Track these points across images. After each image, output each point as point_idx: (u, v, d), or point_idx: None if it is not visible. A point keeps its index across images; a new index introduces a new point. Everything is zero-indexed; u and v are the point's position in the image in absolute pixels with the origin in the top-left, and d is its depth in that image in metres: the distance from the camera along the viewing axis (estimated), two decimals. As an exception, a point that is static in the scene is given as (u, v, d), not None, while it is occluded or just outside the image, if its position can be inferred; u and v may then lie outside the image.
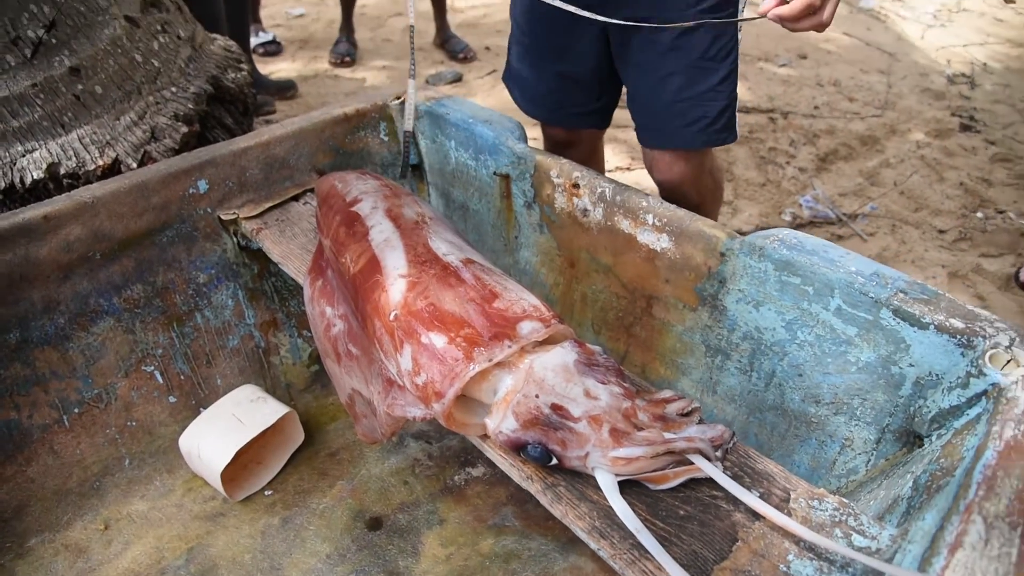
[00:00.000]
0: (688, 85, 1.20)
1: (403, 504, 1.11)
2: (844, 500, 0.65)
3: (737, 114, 1.24)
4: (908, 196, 2.30)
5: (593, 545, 0.65)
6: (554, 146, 1.48)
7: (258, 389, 1.19)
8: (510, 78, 1.45)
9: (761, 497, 0.67)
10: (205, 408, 1.18)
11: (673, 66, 1.18)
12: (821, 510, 0.65)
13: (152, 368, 1.20)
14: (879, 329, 0.77)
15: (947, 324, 0.72)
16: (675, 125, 1.24)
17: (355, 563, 1.03)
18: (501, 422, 0.70)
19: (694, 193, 1.33)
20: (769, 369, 0.91)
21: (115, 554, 1.06)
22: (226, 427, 1.11)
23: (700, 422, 0.74)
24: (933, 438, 0.73)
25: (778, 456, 0.95)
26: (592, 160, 1.55)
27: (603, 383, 0.72)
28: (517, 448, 0.70)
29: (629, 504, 0.66)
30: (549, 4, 1.10)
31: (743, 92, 2.94)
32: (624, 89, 1.34)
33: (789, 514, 0.65)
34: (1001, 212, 2.24)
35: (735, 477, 0.69)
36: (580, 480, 0.70)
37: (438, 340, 0.73)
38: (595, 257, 1.06)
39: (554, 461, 0.69)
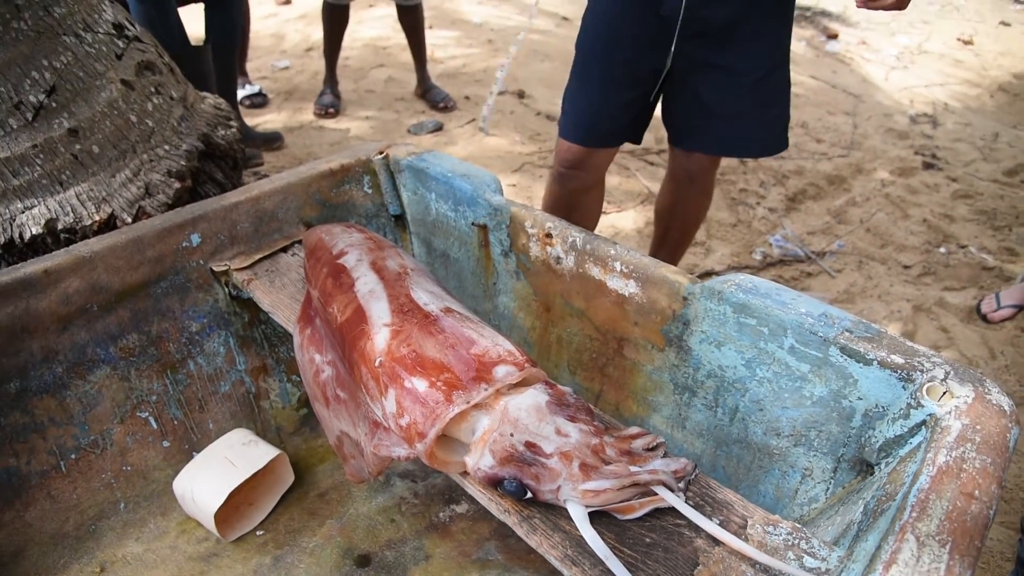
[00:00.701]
0: (760, 100, 1.53)
1: (390, 541, 1.16)
2: (797, 525, 0.71)
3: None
4: (874, 233, 2.40)
5: (566, 572, 0.71)
6: (563, 174, 1.73)
7: (249, 432, 1.24)
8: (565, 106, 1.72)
9: (721, 524, 0.72)
10: (198, 452, 1.23)
11: (748, 82, 1.50)
12: (776, 535, 0.71)
13: (147, 414, 1.24)
14: (829, 365, 0.84)
15: (888, 360, 0.79)
16: (744, 134, 1.58)
17: (347, 600, 1.07)
18: (479, 459, 0.75)
19: (707, 188, 1.77)
20: (732, 404, 0.97)
21: (110, 597, 1.10)
22: (219, 470, 1.16)
23: (665, 455, 0.80)
24: (882, 466, 0.79)
25: (745, 487, 1.00)
26: (597, 188, 1.83)
27: (573, 421, 0.77)
28: (495, 483, 0.75)
29: (599, 533, 0.72)
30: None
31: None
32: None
33: (746, 539, 0.70)
34: (963, 247, 2.34)
35: (696, 506, 0.75)
36: (554, 512, 0.76)
37: (420, 384, 0.79)
38: (569, 302, 1.13)
39: (529, 495, 0.75)
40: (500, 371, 0.80)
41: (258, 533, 1.18)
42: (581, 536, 0.71)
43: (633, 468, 0.75)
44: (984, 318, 2.01)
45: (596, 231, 1.78)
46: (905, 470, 0.72)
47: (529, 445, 0.75)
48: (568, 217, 1.77)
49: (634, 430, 0.82)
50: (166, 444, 1.25)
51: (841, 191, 2.67)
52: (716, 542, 0.71)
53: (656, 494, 0.73)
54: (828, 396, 0.86)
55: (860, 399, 0.82)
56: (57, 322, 1.13)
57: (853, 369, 0.82)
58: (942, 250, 2.30)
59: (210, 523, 1.13)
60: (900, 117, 3.38)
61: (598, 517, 0.74)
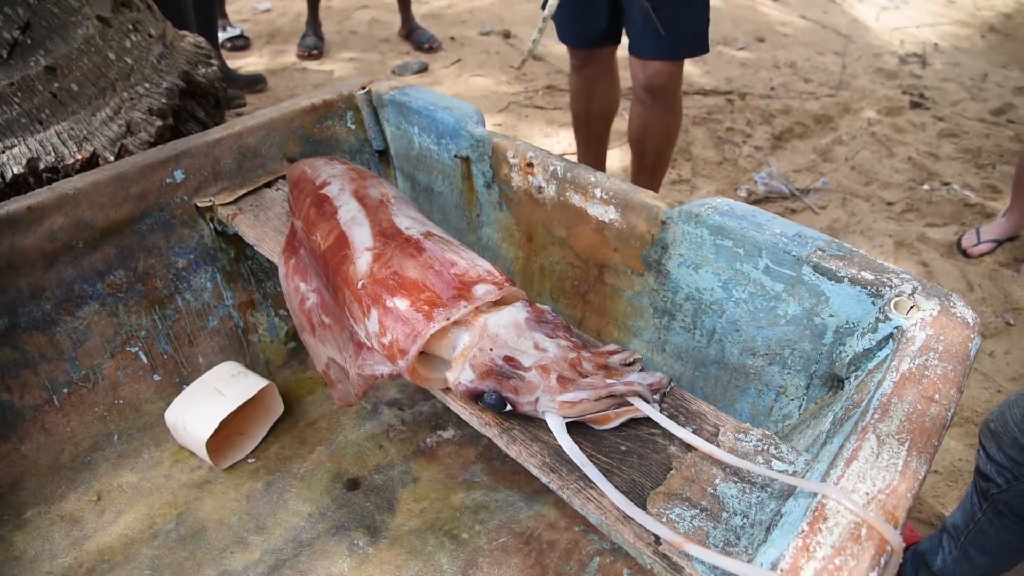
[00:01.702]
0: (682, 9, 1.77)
1: (378, 466, 1.19)
2: (767, 432, 0.74)
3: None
4: (859, 171, 2.41)
5: (544, 478, 0.73)
6: (578, 67, 2.08)
7: (238, 365, 1.26)
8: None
9: (694, 433, 0.75)
10: (188, 385, 1.25)
11: None
12: (746, 441, 0.73)
13: (136, 349, 1.26)
14: (802, 284, 0.86)
15: (859, 277, 0.81)
16: (671, 40, 1.79)
17: (335, 520, 1.10)
18: (460, 374, 0.78)
19: (671, 105, 1.93)
20: (710, 326, 0.99)
21: (108, 522, 1.13)
22: (209, 400, 1.18)
23: (642, 371, 0.82)
24: (851, 380, 0.82)
25: (722, 406, 1.03)
26: (608, 75, 2.11)
27: (551, 337, 0.80)
28: (475, 397, 0.78)
29: (576, 442, 0.74)
30: None
31: (701, 75, 3.03)
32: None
33: (718, 444, 0.73)
34: (946, 184, 2.36)
35: (671, 417, 0.78)
36: (533, 424, 0.78)
37: (401, 304, 0.81)
38: (550, 231, 1.14)
39: (509, 407, 0.77)
40: (480, 290, 0.81)
41: (249, 461, 1.21)
42: (559, 445, 0.74)
43: (610, 381, 0.77)
44: (964, 253, 2.04)
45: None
46: (871, 380, 0.75)
47: (508, 359, 0.77)
48: (588, 104, 2.00)
49: (611, 347, 0.84)
50: (156, 378, 1.27)
51: (827, 130, 2.67)
52: (689, 448, 0.74)
53: (632, 405, 0.76)
54: (801, 314, 0.88)
55: (832, 316, 0.85)
56: (43, 259, 1.14)
57: (825, 287, 0.84)
58: (926, 187, 2.32)
59: (202, 452, 1.16)
60: (889, 57, 3.36)
61: (575, 428, 0.76)
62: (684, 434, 0.72)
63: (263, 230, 1.19)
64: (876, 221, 2.16)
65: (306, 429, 1.26)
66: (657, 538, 0.65)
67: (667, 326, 1.06)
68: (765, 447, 0.73)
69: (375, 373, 0.85)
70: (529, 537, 1.05)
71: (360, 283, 0.86)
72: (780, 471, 0.71)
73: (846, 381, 0.84)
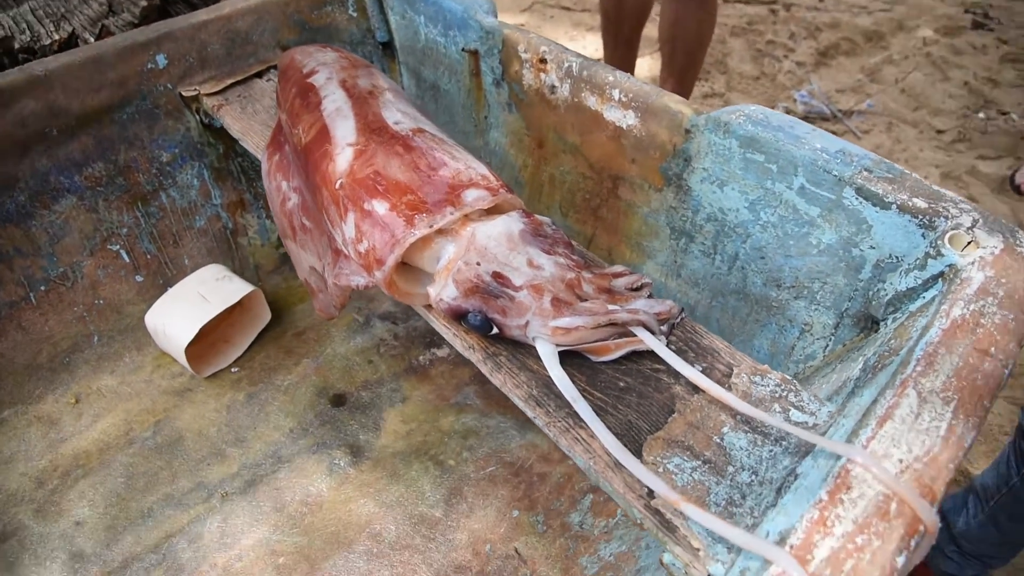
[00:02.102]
0: None
1: (366, 382, 1.12)
2: (786, 377, 0.64)
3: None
4: (908, 94, 2.22)
5: (529, 413, 0.65)
6: None
7: (224, 268, 1.18)
8: None
9: (703, 372, 0.66)
10: (173, 287, 1.18)
11: None
12: (762, 386, 0.64)
13: (118, 247, 1.18)
14: (841, 209, 0.75)
15: (910, 204, 0.70)
16: None
17: (317, 437, 1.05)
18: (442, 290, 0.69)
19: (705, 2, 1.74)
20: (732, 252, 0.89)
21: (85, 426, 1.08)
22: (191, 304, 1.11)
23: (650, 297, 0.73)
24: (888, 321, 0.72)
25: (739, 342, 0.94)
26: None
27: (548, 253, 0.70)
28: (458, 317, 0.69)
29: (568, 374, 0.66)
30: None
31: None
32: None
33: (730, 388, 0.64)
34: (1004, 113, 2.17)
35: (679, 352, 0.68)
36: (522, 351, 0.70)
37: (380, 207, 0.71)
38: (562, 136, 1.03)
39: (495, 330, 0.68)
40: (470, 195, 0.71)
41: (233, 370, 1.15)
42: (549, 377, 0.66)
43: (612, 307, 0.68)
44: (1017, 189, 1.88)
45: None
46: (914, 325, 0.65)
47: (496, 276, 0.67)
48: (619, 1, 1.79)
49: (617, 268, 0.74)
50: (139, 279, 1.20)
51: (878, 48, 2.46)
52: (696, 390, 0.65)
53: (635, 336, 0.67)
54: (837, 244, 0.77)
55: (873, 248, 0.74)
56: (14, 146, 1.05)
57: (868, 213, 0.73)
58: (981, 116, 2.13)
59: (182, 358, 1.09)
60: (955, -29, 3.08)
61: (569, 357, 0.68)
62: (691, 373, 0.63)
63: (249, 123, 1.09)
64: (923, 150, 2.00)
65: (293, 339, 1.20)
66: (650, 491, 0.57)
67: (684, 249, 0.95)
68: (784, 393, 0.64)
69: (351, 284, 0.76)
70: (519, 468, 0.98)
71: (338, 182, 0.76)
72: (799, 423, 0.62)
73: (882, 323, 0.74)
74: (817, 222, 0.77)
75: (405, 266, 0.73)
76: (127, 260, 1.19)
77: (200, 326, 1.07)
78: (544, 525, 0.92)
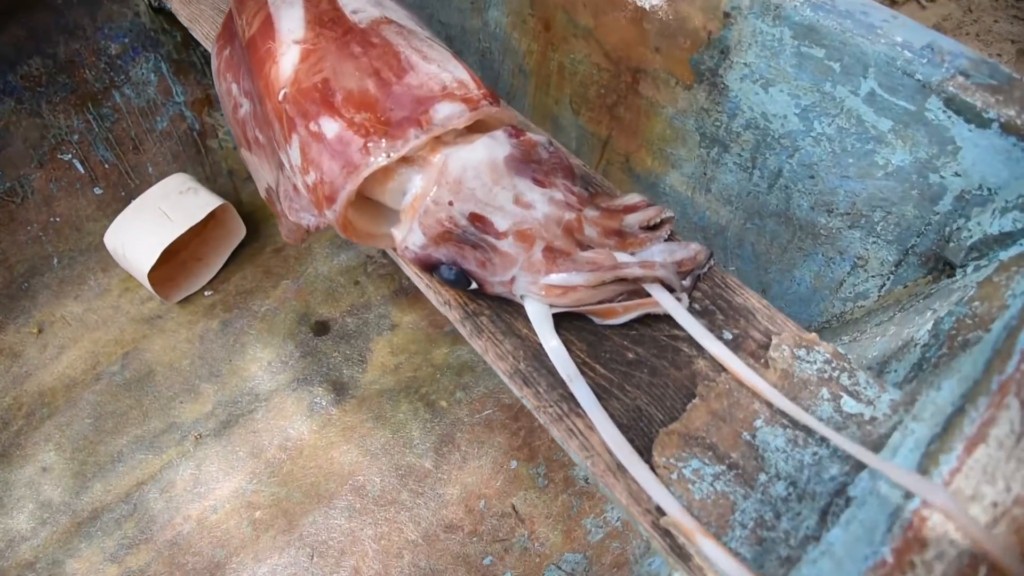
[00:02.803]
0: None
1: (352, 307, 1.01)
2: (839, 351, 0.50)
3: None
4: (987, -48, 1.91)
5: (515, 391, 0.53)
6: None
7: (190, 178, 1.05)
8: None
9: (735, 340, 0.53)
10: (133, 202, 1.05)
11: None
12: (808, 362, 0.51)
13: (69, 156, 1.04)
14: (922, 124, 0.58)
15: (1018, 122, 0.53)
16: None
17: (297, 371, 0.94)
18: (407, 235, 0.55)
19: None
20: (775, 167, 0.73)
21: (50, 358, 0.99)
22: (152, 223, 0.98)
23: (671, 237, 0.58)
24: (969, 270, 0.57)
25: (776, 271, 0.80)
26: None
27: (541, 186, 0.55)
28: (428, 268, 0.56)
29: (565, 342, 0.53)
30: None
31: None
32: None
33: (767, 364, 0.51)
34: (1099, -27, 1.86)
35: (705, 312, 0.55)
36: (510, 309, 0.56)
37: (329, 127, 0.56)
38: (573, 18, 0.84)
39: (475, 285, 0.55)
40: (442, 110, 0.56)
41: (206, 294, 1.04)
42: (541, 344, 0.53)
43: (621, 256, 0.54)
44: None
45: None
46: (1009, 285, 0.50)
47: (474, 218, 0.53)
48: None
49: (631, 199, 0.59)
50: (98, 191, 1.07)
51: None
52: (723, 366, 0.52)
53: (649, 295, 0.53)
54: (910, 167, 0.61)
55: (958, 176, 0.58)
56: None
57: (958, 131, 0.56)
58: (1069, -23, 1.84)
59: (147, 284, 0.98)
60: None
61: (568, 319, 0.54)
62: (717, 348, 0.50)
63: (199, 7, 0.92)
64: (998, 21, 1.74)
65: (272, 257, 1.07)
66: (660, 507, 0.45)
67: (717, 160, 0.79)
68: (835, 373, 0.50)
69: (300, 222, 0.62)
70: (519, 411, 0.88)
71: (282, 93, 0.61)
72: (852, 416, 0.48)
73: (959, 270, 0.59)
74: (887, 138, 0.61)
75: (366, 200, 0.59)
76: (82, 171, 1.05)
77: (161, 250, 0.95)
78: (545, 479, 0.82)
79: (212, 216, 1.06)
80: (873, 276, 0.70)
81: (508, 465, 0.83)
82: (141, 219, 0.98)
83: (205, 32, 0.87)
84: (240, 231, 1.07)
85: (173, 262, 1.05)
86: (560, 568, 0.74)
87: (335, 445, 0.87)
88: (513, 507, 0.80)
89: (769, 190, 0.75)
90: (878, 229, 0.66)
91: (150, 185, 1.06)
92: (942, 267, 0.62)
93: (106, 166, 1.06)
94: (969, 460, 0.37)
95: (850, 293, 0.73)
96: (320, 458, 0.86)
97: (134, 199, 1.04)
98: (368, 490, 0.82)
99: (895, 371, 0.56)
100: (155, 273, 0.99)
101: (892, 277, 0.68)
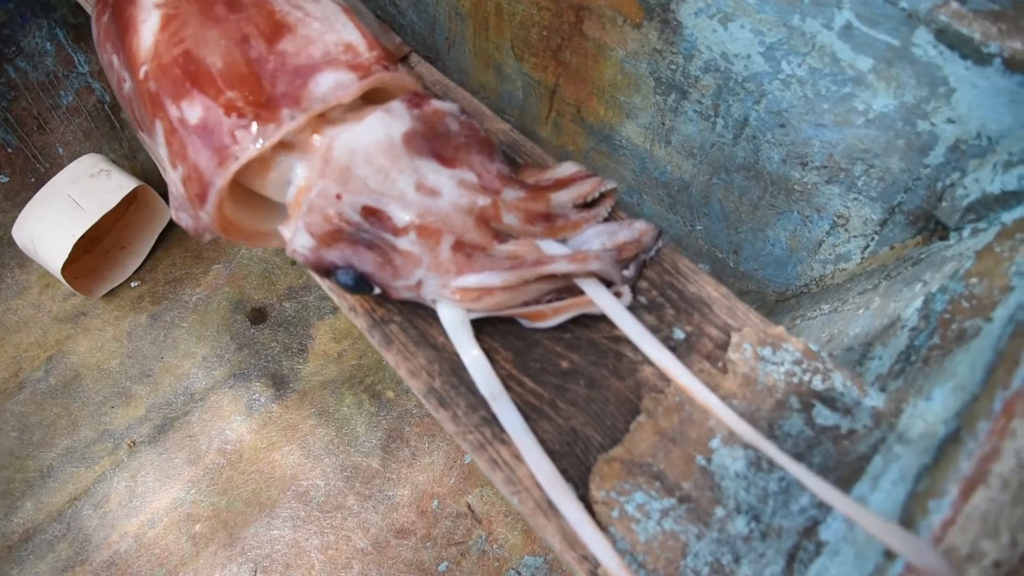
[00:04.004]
0: None
1: (290, 289, 0.92)
2: (810, 348, 0.42)
3: None
4: None
5: (432, 411, 0.45)
6: None
7: (102, 159, 0.94)
8: None
9: (688, 340, 0.44)
10: (41, 189, 0.95)
11: None
12: (774, 363, 0.42)
13: (-34, 139, 0.94)
14: (908, 62, 0.48)
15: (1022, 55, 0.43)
16: None
17: (233, 365, 0.86)
18: (295, 235, 0.46)
19: None
20: (740, 115, 0.63)
21: (-32, 364, 0.91)
22: (61, 213, 0.89)
23: (613, 214, 0.49)
24: (964, 233, 0.48)
25: (747, 230, 0.71)
26: None
27: (449, 166, 0.46)
28: (323, 272, 0.47)
29: (488, 352, 0.45)
30: None
31: None
32: None
33: (725, 368, 0.43)
34: None
35: (652, 306, 0.46)
36: (423, 314, 0.48)
37: (191, 111, 0.46)
38: (504, -47, 0.73)
39: (379, 290, 0.46)
40: (323, 81, 0.46)
41: (133, 285, 0.95)
42: (459, 355, 0.44)
43: (548, 247, 0.45)
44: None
45: None
46: (1013, 257, 0.41)
47: (368, 212, 0.44)
48: None
49: (564, 170, 0.50)
50: (3, 179, 0.97)
51: None
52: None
53: (583, 293, 0.44)
54: (895, 113, 0.51)
55: (951, 122, 0.48)
56: None
57: (952, 70, 0.46)
58: None
59: (63, 280, 0.89)
60: None
61: (491, 321, 0.46)
62: (662, 357, 0.41)
63: (81, -37, 0.80)
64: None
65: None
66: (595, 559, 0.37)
67: (675, 108, 0.69)
68: (806, 377, 0.42)
69: (179, 223, 0.53)
70: (474, 400, 0.80)
71: (142, 71, 0.51)
72: (827, 429, 0.40)
73: (953, 234, 0.50)
74: (867, 80, 0.51)
75: (247, 193, 0.49)
76: (-18, 156, 0.95)
77: (73, 243, 0.85)
78: (504, 473, 0.75)
79: (134, 197, 0.96)
80: (855, 236, 0.61)
81: (462, 460, 0.76)
82: (49, 209, 0.89)
83: (86, -8, 0.76)
84: (165, 213, 0.97)
85: (95, 251, 0.96)
86: (519, 573, 0.68)
87: (276, 446, 0.80)
88: (469, 506, 0.73)
89: (735, 141, 0.65)
90: (859, 184, 0.57)
91: (62, 167, 0.96)
92: (934, 227, 0.54)
93: (9, 150, 0.96)
94: (966, 508, 0.29)
95: (830, 255, 0.64)
96: (261, 461, 0.79)
97: (45, 184, 0.95)
98: (312, 496, 0.75)
99: (879, 357, 0.48)
100: (74, 266, 0.90)
101: (876, 238, 0.59)
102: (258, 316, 0.90)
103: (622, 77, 0.72)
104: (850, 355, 0.53)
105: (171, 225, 0.98)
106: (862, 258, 0.61)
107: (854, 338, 0.54)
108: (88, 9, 0.75)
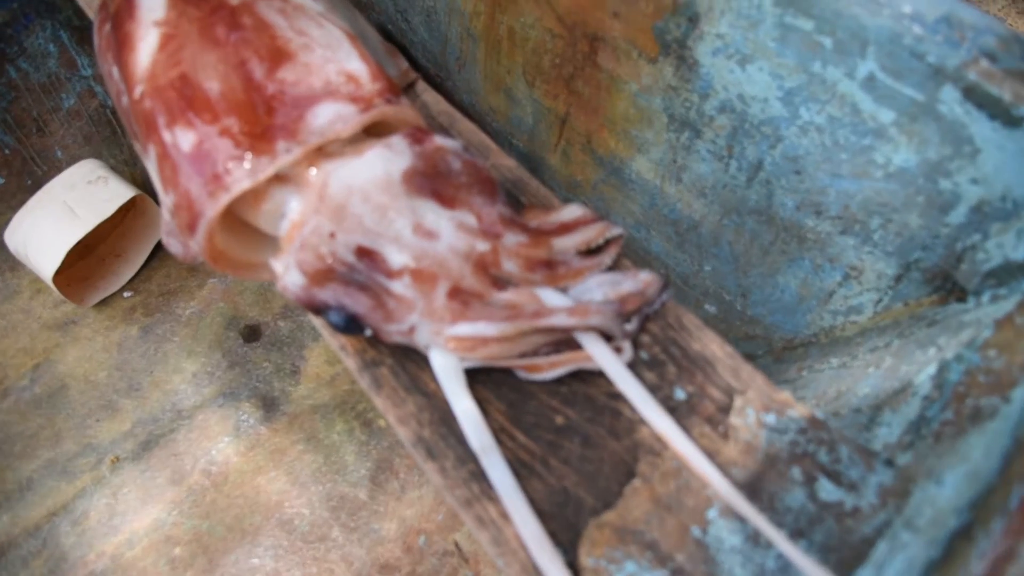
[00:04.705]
0: None
1: (285, 309, 0.90)
2: (817, 418, 0.40)
3: None
4: None
5: (420, 463, 0.43)
6: None
7: (100, 165, 0.93)
8: None
9: (689, 401, 0.42)
10: (36, 194, 0.93)
11: None
12: (778, 431, 0.40)
13: (-37, 140, 0.93)
14: (933, 118, 0.46)
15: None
16: None
17: (224, 383, 0.84)
18: (285, 273, 0.44)
19: None
20: (754, 158, 0.61)
21: (-46, 368, 0.89)
22: (56, 219, 0.87)
23: (616, 266, 0.47)
24: (984, 299, 0.46)
25: (757, 275, 0.69)
26: None
27: (448, 206, 0.44)
28: (314, 311, 0.45)
29: (481, 402, 0.43)
30: None
31: None
32: None
33: (726, 434, 0.40)
34: None
35: (654, 363, 0.44)
36: (417, 357, 0.46)
37: (184, 137, 0.44)
38: (519, -22, 0.71)
39: (370, 331, 0.44)
40: (322, 113, 0.44)
41: (126, 295, 0.93)
42: (450, 403, 0.42)
43: (547, 297, 0.43)
44: None
45: None
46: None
47: (362, 253, 0.42)
48: None
49: (570, 214, 0.48)
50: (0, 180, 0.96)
51: None
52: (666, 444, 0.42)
53: (580, 348, 0.42)
54: (916, 169, 0.49)
55: (976, 182, 0.46)
56: None
57: (978, 129, 0.44)
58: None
59: (53, 288, 0.87)
60: None
61: (486, 370, 0.44)
62: (659, 421, 0.39)
63: (88, -32, 0.78)
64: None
65: (199, 253, 0.96)
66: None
67: (688, 146, 0.67)
68: (811, 448, 0.40)
69: (170, 250, 0.51)
70: (467, 433, 0.78)
71: (137, 91, 0.49)
72: (830, 506, 0.38)
73: (972, 297, 0.48)
74: (889, 132, 0.49)
75: (238, 223, 0.48)
76: (-21, 157, 0.93)
77: (65, 252, 0.84)
78: (494, 512, 0.73)
79: (131, 205, 0.94)
80: (868, 290, 0.59)
81: (453, 496, 0.73)
82: (44, 215, 0.87)
83: (89, 0, 0.74)
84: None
85: (90, 258, 0.94)
86: (507, 620, 0.65)
87: (262, 470, 0.77)
88: (456, 544, 0.71)
89: (748, 184, 0.63)
90: (875, 237, 0.55)
91: (60, 172, 0.94)
92: (951, 287, 0.51)
93: (6, 152, 0.94)
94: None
95: (841, 306, 0.62)
96: (246, 486, 0.77)
97: (41, 188, 0.93)
98: (296, 525, 0.73)
99: (888, 424, 0.46)
100: (67, 272, 0.89)
101: (891, 293, 0.57)
102: (251, 334, 0.88)
103: (635, 111, 0.70)
104: (858, 417, 0.51)
105: (168, 235, 0.95)
106: (875, 312, 0.59)
107: (863, 399, 0.52)
108: (91, 15, 0.74)
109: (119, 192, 0.89)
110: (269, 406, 0.82)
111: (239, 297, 0.91)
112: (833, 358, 0.61)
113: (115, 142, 1.01)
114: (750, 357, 0.74)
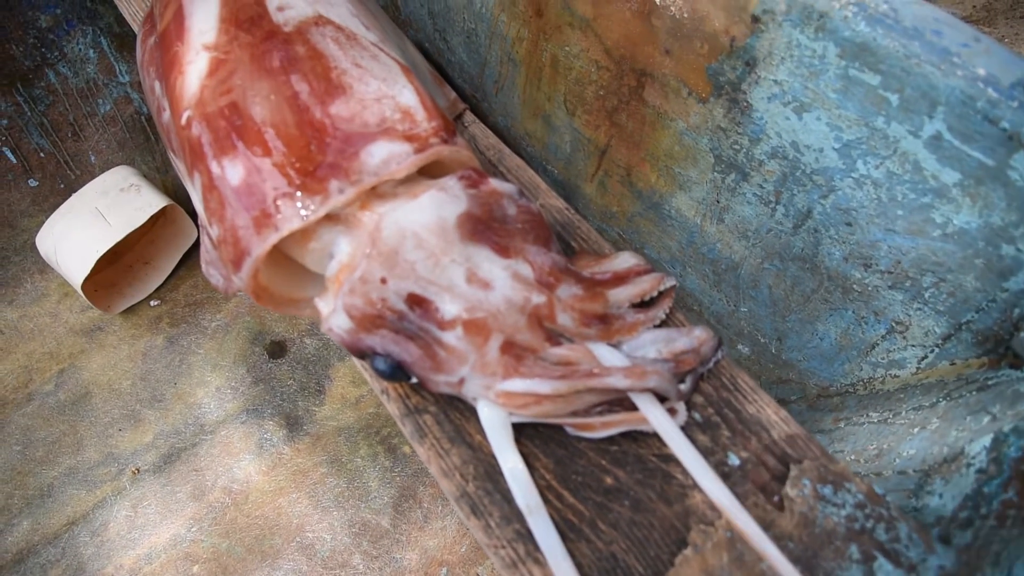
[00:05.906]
0: None
1: (312, 326, 0.90)
2: (876, 492, 0.39)
3: None
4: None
5: (464, 520, 0.42)
6: None
7: (133, 173, 0.92)
8: None
9: (743, 467, 0.41)
10: (69, 199, 0.93)
11: None
12: (835, 504, 0.39)
13: (-1, 142, 0.92)
14: (1001, 183, 0.45)
15: None
16: None
17: (247, 400, 0.84)
18: (332, 315, 0.43)
19: None
20: (803, 206, 0.60)
21: (-21, 370, 0.89)
22: (87, 226, 0.86)
23: (666, 322, 0.46)
24: (1044, 372, 0.45)
25: (795, 320, 0.67)
26: None
27: (504, 255, 0.43)
28: (359, 355, 0.44)
29: (527, 458, 0.42)
30: None
31: None
32: None
33: (781, 504, 0.39)
34: None
35: (707, 425, 0.43)
36: (462, 407, 0.45)
37: (233, 172, 0.44)
38: (569, 5, 0.70)
39: (416, 379, 0.43)
40: (376, 152, 0.43)
41: (152, 303, 0.93)
42: (496, 457, 0.42)
43: (603, 353, 0.42)
44: None
45: None
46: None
47: (414, 301, 0.41)
48: None
49: (623, 262, 0.47)
50: (33, 183, 0.95)
51: None
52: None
53: (635, 408, 0.41)
54: (977, 232, 0.48)
55: (1038, 245, 0.45)
56: None
57: (1045, 192, 0.43)
58: None
59: (82, 294, 0.87)
60: None
61: (533, 424, 0.43)
62: (714, 487, 0.38)
63: (132, -22, 0.78)
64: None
65: (227, 264, 0.96)
66: None
67: (733, 188, 0.66)
68: (868, 524, 0.39)
69: (208, 279, 0.50)
70: (492, 464, 0.77)
71: (184, 116, 0.49)
72: None
73: (1033, 365, 0.47)
74: (951, 193, 0.48)
75: (284, 259, 0.47)
76: (13, 160, 0.93)
77: (96, 259, 0.83)
78: (518, 547, 0.72)
79: (161, 213, 0.94)
80: (913, 345, 0.57)
81: (476, 529, 0.72)
82: (76, 221, 0.87)
83: (132, 12, 0.74)
84: (191, 232, 0.95)
85: (118, 264, 0.93)
86: (528, 662, 0.64)
87: (284, 491, 0.77)
88: (479, 579, 0.70)
89: (794, 231, 0.62)
90: (926, 295, 0.54)
91: (93, 176, 0.94)
92: (1004, 351, 0.50)
93: (41, 155, 0.94)
94: None
95: (882, 359, 0.61)
96: (267, 506, 0.76)
97: (75, 192, 0.93)
98: (317, 549, 0.73)
99: (939, 495, 0.45)
100: (95, 278, 0.88)
101: (937, 350, 0.56)
102: (277, 350, 0.87)
103: (680, 148, 0.69)
104: (904, 481, 0.50)
105: (196, 244, 0.95)
106: (918, 368, 0.58)
107: (908, 461, 0.51)
108: (135, 27, 0.73)
109: (151, 201, 0.88)
110: (293, 425, 0.81)
111: (265, 312, 0.91)
112: (873, 412, 0.60)
113: (148, 149, 1.00)
114: (783, 402, 0.73)
